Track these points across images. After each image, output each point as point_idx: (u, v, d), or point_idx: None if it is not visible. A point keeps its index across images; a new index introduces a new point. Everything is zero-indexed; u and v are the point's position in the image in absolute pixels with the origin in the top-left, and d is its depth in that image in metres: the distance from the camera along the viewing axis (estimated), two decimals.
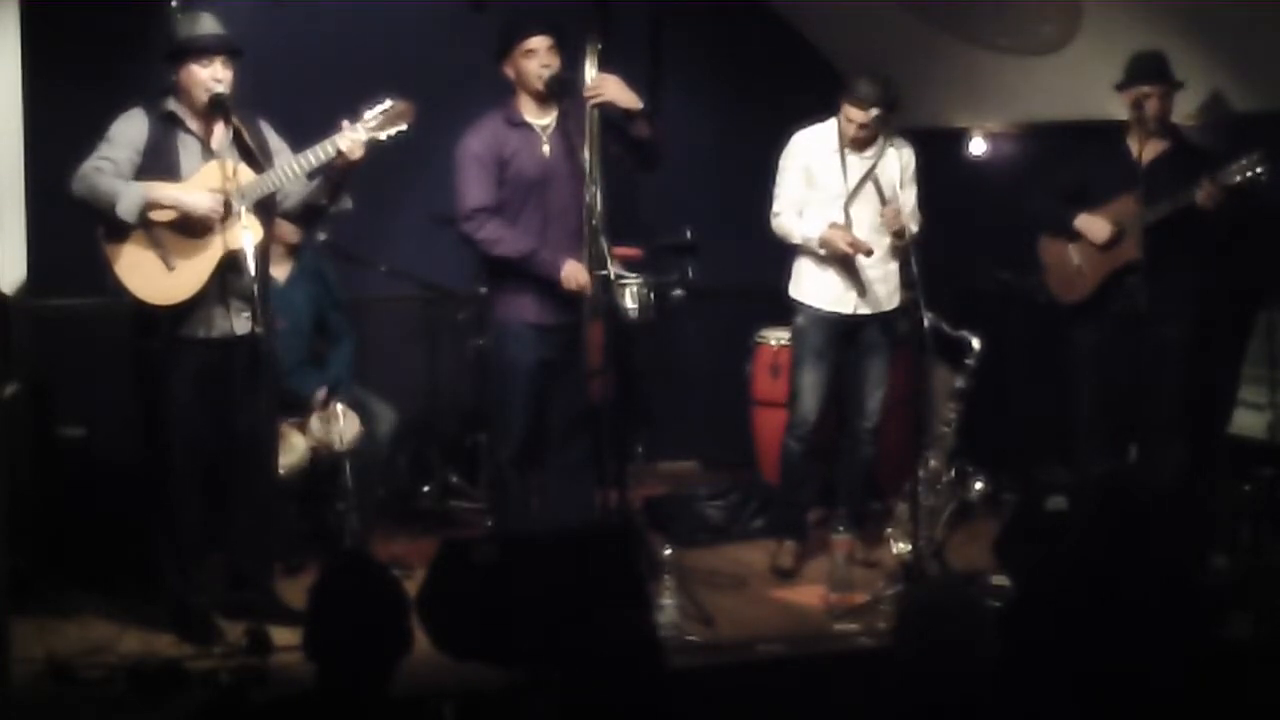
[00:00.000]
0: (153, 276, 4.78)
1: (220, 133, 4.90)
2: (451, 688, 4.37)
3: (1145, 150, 5.55)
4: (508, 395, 5.43)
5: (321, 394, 5.73)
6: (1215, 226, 5.48)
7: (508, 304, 5.40)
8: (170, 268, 4.79)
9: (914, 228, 5.69)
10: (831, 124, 5.72)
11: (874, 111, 5.54)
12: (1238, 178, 5.31)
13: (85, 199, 4.74)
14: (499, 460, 5.55)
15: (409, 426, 6.34)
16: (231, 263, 4.81)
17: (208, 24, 4.86)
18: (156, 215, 4.77)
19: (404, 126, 4.95)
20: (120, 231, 4.76)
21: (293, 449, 5.59)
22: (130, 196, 4.71)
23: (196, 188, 4.82)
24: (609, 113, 5.27)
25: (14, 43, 5.07)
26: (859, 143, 5.65)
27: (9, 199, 5.02)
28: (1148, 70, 5.58)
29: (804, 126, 5.77)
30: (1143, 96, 5.55)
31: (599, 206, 5.19)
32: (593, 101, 5.24)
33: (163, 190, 4.77)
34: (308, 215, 5.18)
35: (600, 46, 5.27)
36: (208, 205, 4.77)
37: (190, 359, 4.86)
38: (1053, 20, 6.16)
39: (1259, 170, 5.27)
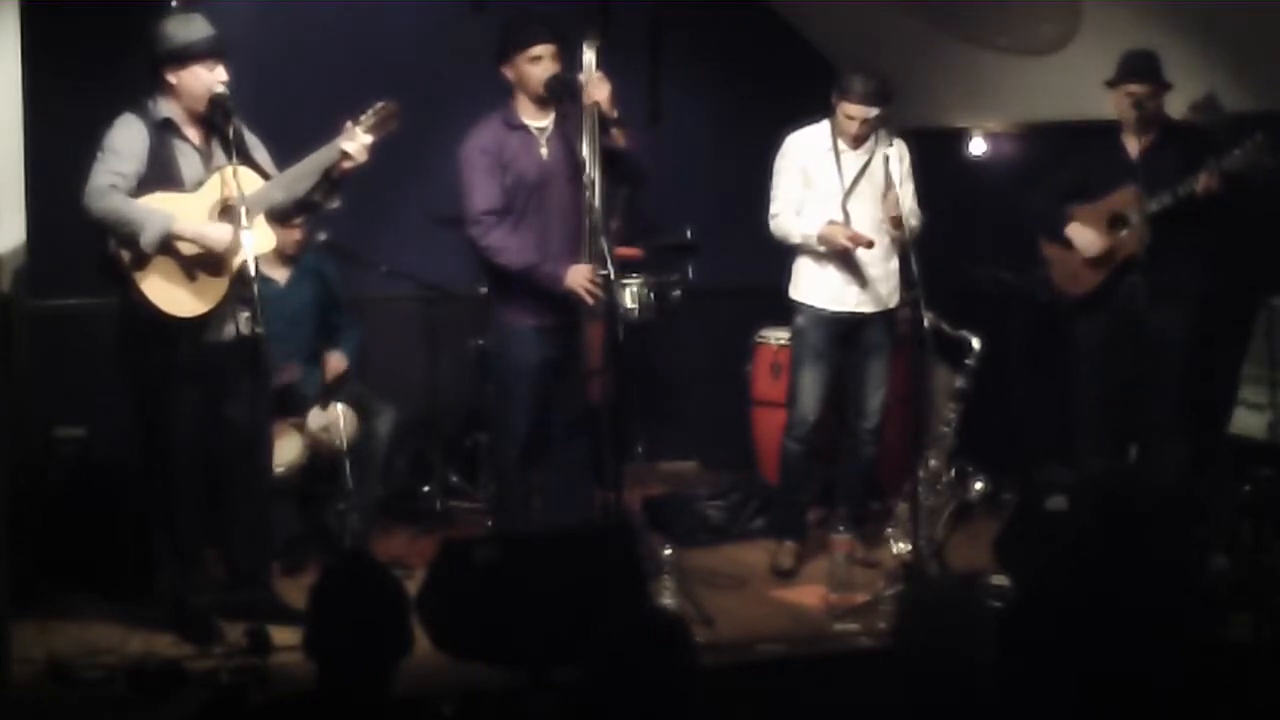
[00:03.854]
0: (177, 291, 4.77)
1: (215, 137, 4.88)
2: (451, 688, 4.36)
3: (1138, 144, 5.56)
4: (509, 396, 5.43)
5: (325, 387, 5.73)
6: (1217, 219, 5.48)
7: (509, 305, 5.40)
8: (193, 281, 4.79)
9: (914, 224, 5.70)
10: (825, 124, 5.72)
11: (872, 109, 5.54)
12: (1241, 162, 5.30)
13: (104, 220, 4.69)
14: (500, 460, 5.54)
15: (409, 426, 6.33)
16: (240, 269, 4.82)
17: (203, 25, 4.84)
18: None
19: (393, 128, 4.95)
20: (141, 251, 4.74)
21: (292, 448, 5.59)
22: (153, 229, 4.67)
23: (207, 199, 4.81)
24: (604, 115, 5.25)
25: (14, 43, 5.06)
26: (856, 139, 5.65)
27: (9, 199, 5.01)
28: (1137, 69, 5.58)
29: (797, 127, 5.78)
30: (1130, 95, 5.55)
31: (599, 206, 5.18)
32: (586, 100, 5.22)
33: (185, 226, 4.73)
34: (298, 213, 5.14)
35: (600, 46, 5.27)
36: (228, 240, 4.77)
37: (195, 362, 4.86)
38: (1052, 20, 6.16)
39: (1261, 155, 5.26)
